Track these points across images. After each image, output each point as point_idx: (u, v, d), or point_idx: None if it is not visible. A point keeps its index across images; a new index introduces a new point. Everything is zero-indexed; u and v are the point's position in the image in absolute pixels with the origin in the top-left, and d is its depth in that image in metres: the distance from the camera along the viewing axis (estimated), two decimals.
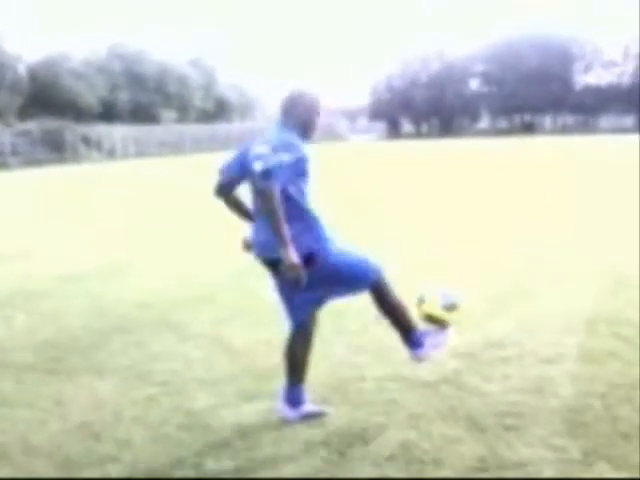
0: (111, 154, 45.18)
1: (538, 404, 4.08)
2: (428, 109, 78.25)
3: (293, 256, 3.54)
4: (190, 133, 55.78)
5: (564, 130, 70.93)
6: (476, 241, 9.72)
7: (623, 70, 71.90)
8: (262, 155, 3.68)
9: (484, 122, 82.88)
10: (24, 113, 50.24)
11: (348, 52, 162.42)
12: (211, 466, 3.49)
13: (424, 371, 4.64)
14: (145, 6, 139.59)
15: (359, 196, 15.24)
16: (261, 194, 3.61)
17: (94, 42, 62.53)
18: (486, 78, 78.71)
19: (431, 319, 4.01)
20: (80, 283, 7.93)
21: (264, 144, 3.76)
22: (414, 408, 4.07)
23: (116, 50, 60.45)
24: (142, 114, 58.19)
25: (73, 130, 43.66)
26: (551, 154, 32.82)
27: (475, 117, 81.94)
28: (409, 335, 4.00)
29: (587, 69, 74.91)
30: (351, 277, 3.86)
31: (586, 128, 69.78)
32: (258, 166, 3.64)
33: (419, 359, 4.06)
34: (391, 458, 3.50)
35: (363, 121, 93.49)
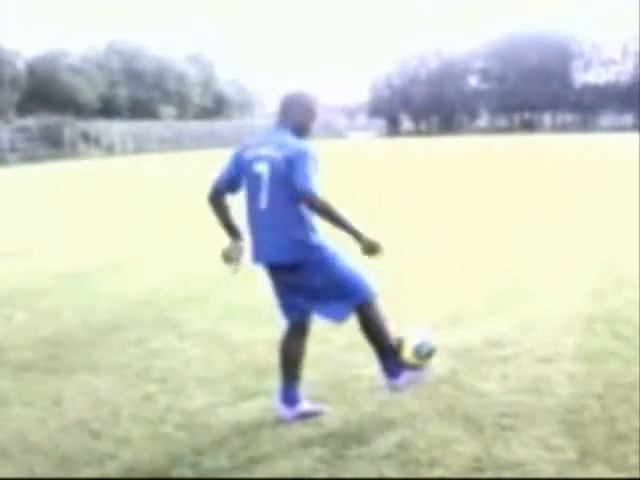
0: (110, 150, 45.13)
1: (535, 404, 4.08)
2: (427, 106, 78.20)
3: (370, 238, 3.67)
4: (189, 129, 55.76)
5: (563, 128, 70.95)
6: (475, 239, 9.72)
7: (622, 68, 71.93)
8: (266, 156, 3.71)
9: (483, 120, 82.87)
10: (23, 109, 50.18)
11: (348, 49, 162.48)
12: (208, 464, 3.50)
13: None
14: (144, 2, 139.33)
15: (357, 193, 15.22)
16: (306, 202, 3.64)
17: (92, 38, 62.49)
18: (485, 75, 78.72)
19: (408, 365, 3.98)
20: (79, 281, 7.93)
21: (267, 145, 3.77)
22: (411, 407, 4.08)
23: (115, 46, 60.42)
24: (141, 110, 58.15)
25: (72, 126, 43.59)
26: (550, 152, 32.81)
27: (474, 115, 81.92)
28: (388, 362, 3.97)
29: (586, 67, 74.92)
30: (343, 287, 3.83)
31: (585, 126, 69.81)
32: (262, 168, 3.68)
33: (393, 388, 4.01)
34: (388, 457, 3.50)
35: (362, 118, 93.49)
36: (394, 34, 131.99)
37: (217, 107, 68.52)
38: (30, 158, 38.44)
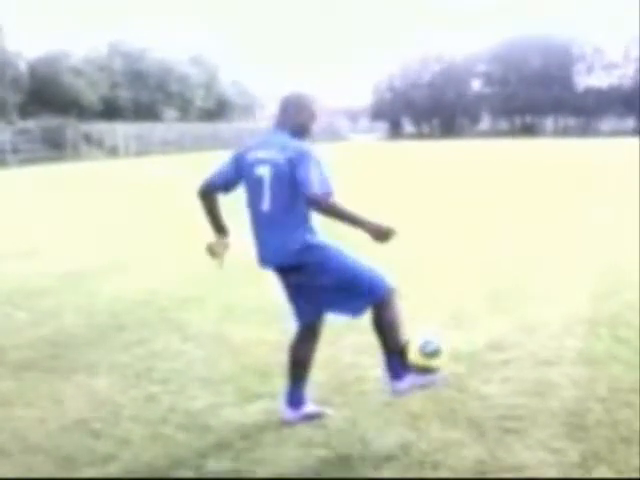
0: (112, 152, 45.10)
1: (538, 407, 4.07)
2: (429, 110, 78.21)
3: (376, 225, 3.60)
4: (191, 132, 55.73)
5: (565, 132, 70.94)
6: (477, 242, 9.71)
7: (624, 72, 71.92)
8: (268, 160, 3.70)
9: (485, 123, 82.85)
10: (24, 111, 50.15)
11: (350, 52, 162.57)
12: (211, 466, 3.49)
13: None
14: (146, 3, 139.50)
15: (359, 196, 15.21)
16: (312, 204, 3.62)
17: (95, 39, 62.40)
18: (488, 79, 78.74)
19: (416, 368, 3.90)
20: (80, 281, 7.93)
21: (267, 148, 3.76)
22: (414, 410, 4.07)
23: (117, 48, 60.43)
24: (143, 112, 58.14)
25: (74, 128, 43.54)
26: (552, 155, 32.79)
27: (476, 118, 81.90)
28: (392, 363, 3.88)
29: (588, 71, 74.91)
30: (357, 285, 3.75)
31: (587, 130, 69.76)
32: (264, 171, 3.67)
33: (394, 392, 3.90)
34: (390, 459, 3.49)
35: (365, 121, 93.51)
36: (397, 37, 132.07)
37: (219, 109, 68.52)
38: (32, 160, 38.39)
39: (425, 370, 3.82)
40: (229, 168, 3.95)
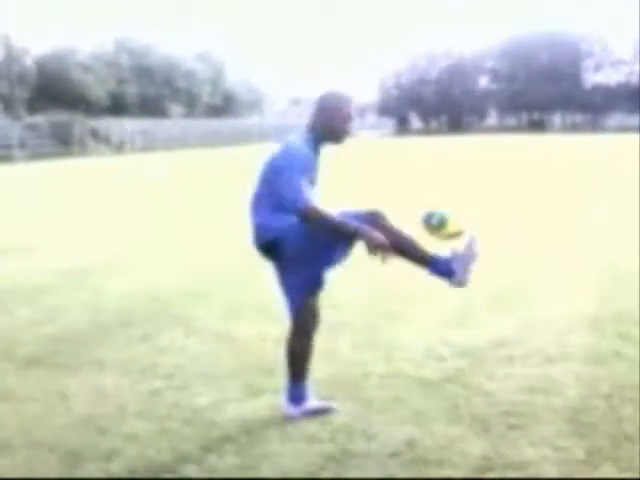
0: (119, 148, 45.19)
1: (542, 404, 4.07)
2: (437, 106, 78.17)
3: (372, 233, 3.49)
4: (198, 128, 55.81)
5: (573, 128, 70.76)
6: (482, 238, 9.67)
7: (632, 69, 71.68)
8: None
9: (492, 119, 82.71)
10: (32, 106, 50.30)
11: (358, 48, 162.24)
12: (215, 461, 3.49)
13: (428, 369, 4.65)
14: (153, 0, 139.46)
15: (365, 191, 15.20)
16: (299, 216, 3.59)
17: (102, 36, 62.59)
18: (495, 75, 78.61)
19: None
20: (85, 277, 7.94)
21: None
22: (418, 406, 4.07)
23: (124, 44, 60.53)
24: (150, 108, 58.26)
25: (81, 123, 43.64)
26: (559, 152, 32.71)
27: (483, 114, 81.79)
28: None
29: (597, 68, 74.70)
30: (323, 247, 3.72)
31: (595, 127, 69.59)
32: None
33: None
34: (394, 456, 3.49)
35: (372, 117, 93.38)
36: (404, 33, 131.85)
37: (226, 106, 68.60)
38: (39, 155, 38.50)
39: (452, 236, 3.97)
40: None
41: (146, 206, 15.22)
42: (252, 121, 64.04)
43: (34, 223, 12.99)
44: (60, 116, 43.63)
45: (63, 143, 41.68)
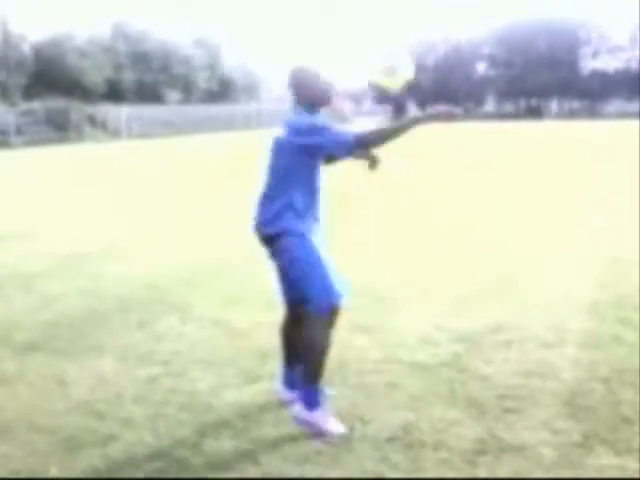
0: (116, 134, 45.03)
1: (539, 387, 4.08)
2: (434, 92, 77.92)
3: (435, 110, 3.52)
4: (195, 113, 55.58)
5: (570, 115, 70.60)
6: (479, 224, 9.70)
7: (630, 56, 71.47)
8: (275, 137, 3.71)
9: (490, 106, 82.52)
10: (28, 92, 50.04)
11: (355, 34, 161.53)
12: (211, 446, 3.51)
13: (425, 354, 4.66)
14: None
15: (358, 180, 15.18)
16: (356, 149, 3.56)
17: (99, 21, 62.33)
18: (493, 62, 78.38)
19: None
20: (82, 263, 7.94)
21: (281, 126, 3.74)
22: (414, 391, 4.08)
23: (121, 29, 60.21)
24: (147, 94, 58.00)
25: (78, 109, 43.44)
26: (558, 139, 32.67)
27: (481, 101, 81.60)
28: (307, 389, 3.69)
29: (594, 54, 74.49)
30: (301, 287, 3.66)
31: (592, 113, 69.44)
32: (270, 147, 3.66)
33: (295, 418, 3.70)
34: (391, 440, 3.51)
35: (368, 104, 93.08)
36: (402, 19, 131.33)
37: (223, 91, 68.27)
38: (36, 142, 38.34)
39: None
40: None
41: (144, 192, 15.19)
42: (249, 107, 63.76)
43: (32, 210, 12.95)
44: (57, 102, 43.38)
45: (60, 129, 41.49)
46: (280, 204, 3.67)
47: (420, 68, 78.81)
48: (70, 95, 46.73)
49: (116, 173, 20.45)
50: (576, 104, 77.03)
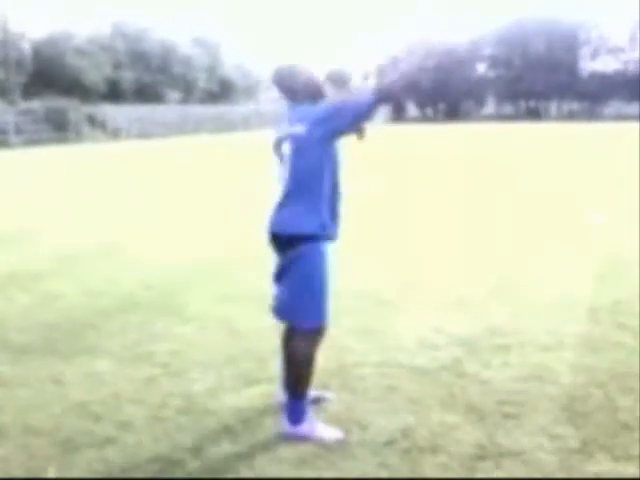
0: (115, 134, 44.99)
1: (538, 392, 4.07)
2: (434, 93, 77.88)
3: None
4: (194, 114, 55.58)
5: (570, 116, 70.59)
6: (478, 227, 9.69)
7: (629, 57, 71.48)
8: (289, 135, 3.59)
9: (489, 107, 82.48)
10: (28, 91, 50.01)
11: (354, 34, 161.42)
12: (210, 449, 3.49)
13: (424, 358, 4.65)
14: None
15: (361, 180, 15.17)
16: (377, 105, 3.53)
17: (98, 20, 62.21)
18: (492, 63, 78.38)
19: None
20: (81, 264, 7.92)
21: (291, 123, 3.63)
22: (413, 394, 4.07)
23: (120, 28, 60.18)
24: (146, 94, 58.03)
25: (77, 109, 43.39)
26: (556, 140, 32.67)
27: (481, 102, 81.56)
28: (292, 404, 3.63)
29: (594, 55, 74.50)
30: (301, 298, 3.62)
31: (591, 115, 69.43)
32: (285, 147, 3.59)
33: (285, 435, 3.60)
34: (389, 444, 3.49)
35: None
36: (401, 20, 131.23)
37: (223, 91, 68.31)
38: (35, 141, 38.30)
39: None
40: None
41: (143, 193, 15.17)
42: (248, 107, 63.77)
43: (31, 209, 12.95)
44: (56, 102, 43.34)
45: (59, 129, 41.44)
46: (305, 206, 3.56)
47: (419, 68, 78.76)
48: (69, 94, 46.71)
49: (115, 173, 20.44)
50: (575, 106, 77.00)
